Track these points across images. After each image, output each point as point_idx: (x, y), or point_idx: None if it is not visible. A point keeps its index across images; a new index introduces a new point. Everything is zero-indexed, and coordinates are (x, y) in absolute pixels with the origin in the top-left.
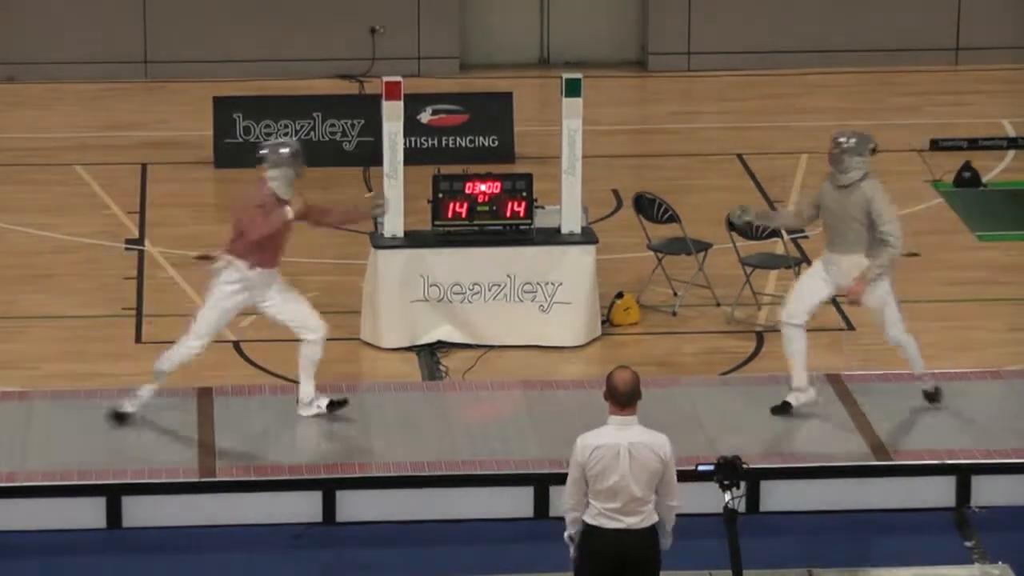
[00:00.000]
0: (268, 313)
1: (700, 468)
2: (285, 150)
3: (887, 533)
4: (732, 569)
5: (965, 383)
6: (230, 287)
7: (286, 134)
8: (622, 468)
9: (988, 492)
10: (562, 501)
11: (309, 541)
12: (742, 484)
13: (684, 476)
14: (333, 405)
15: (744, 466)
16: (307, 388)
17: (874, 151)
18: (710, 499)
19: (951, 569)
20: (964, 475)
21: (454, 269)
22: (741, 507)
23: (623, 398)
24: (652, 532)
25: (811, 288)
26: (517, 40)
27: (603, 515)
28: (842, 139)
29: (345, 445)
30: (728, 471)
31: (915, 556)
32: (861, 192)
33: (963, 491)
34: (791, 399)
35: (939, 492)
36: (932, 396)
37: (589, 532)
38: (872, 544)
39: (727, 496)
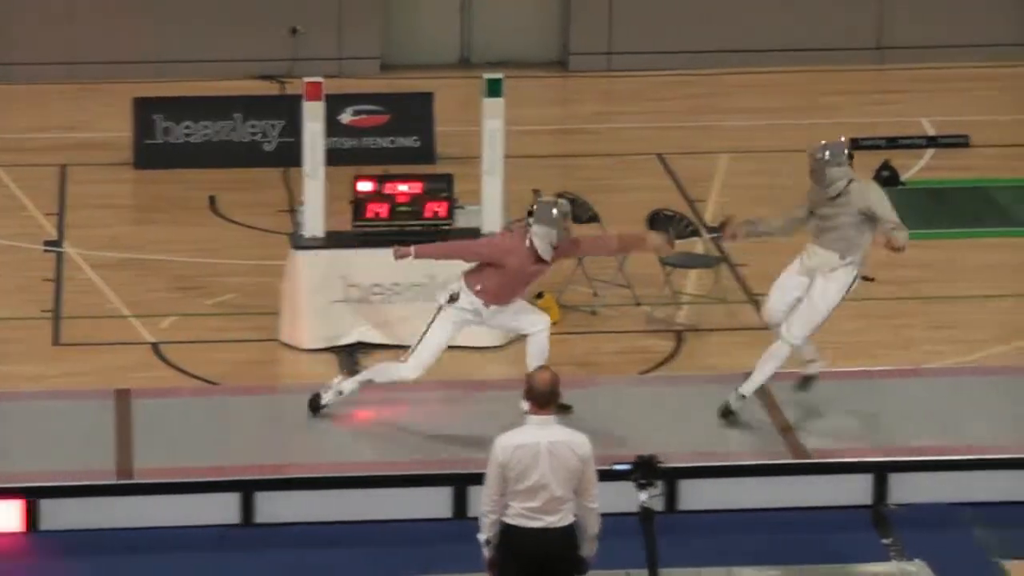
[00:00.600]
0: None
1: (617, 467)
2: (555, 211)
3: (805, 531)
4: (648, 569)
5: (889, 381)
6: (463, 314)
7: (206, 135)
8: (542, 467)
9: (905, 490)
10: (480, 502)
11: (228, 543)
12: (659, 483)
13: (602, 475)
14: None
15: (661, 465)
16: None
17: (851, 155)
18: (628, 498)
19: (869, 566)
20: (881, 473)
21: (374, 270)
22: (659, 506)
23: (542, 398)
24: (571, 530)
25: (785, 285)
26: (438, 40)
27: (522, 515)
28: (818, 154)
29: (264, 446)
30: (645, 470)
31: (833, 554)
32: (851, 197)
33: (880, 489)
34: (812, 369)
35: (856, 490)
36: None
37: (509, 532)
38: (790, 542)
39: (644, 495)
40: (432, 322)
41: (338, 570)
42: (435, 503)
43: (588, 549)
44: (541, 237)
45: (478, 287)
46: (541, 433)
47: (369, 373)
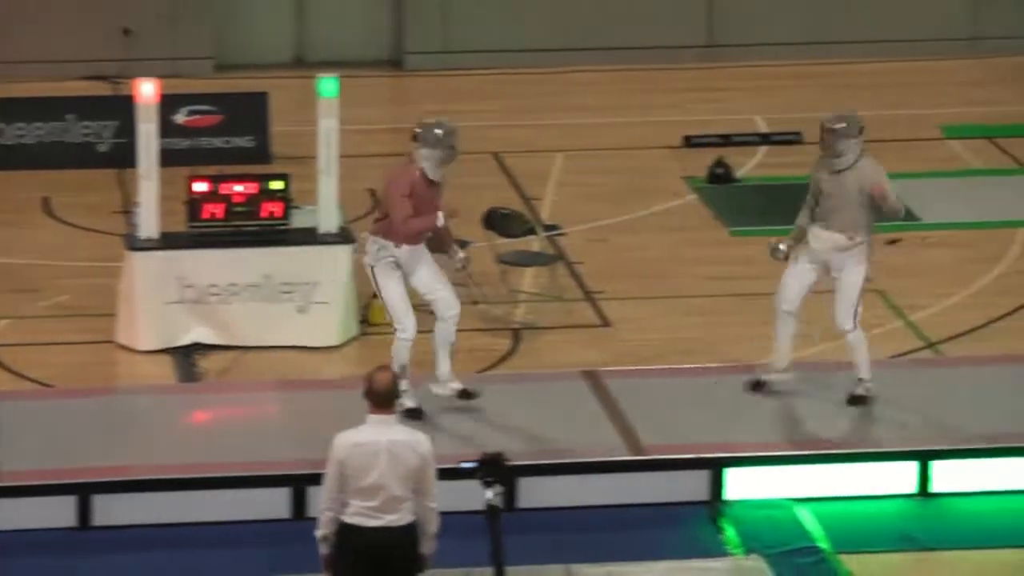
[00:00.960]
0: (415, 287)
1: (463, 465)
2: (438, 131)
3: (643, 527)
4: (494, 566)
5: (720, 377)
6: (385, 262)
7: (39, 136)
8: (381, 466)
9: (741, 485)
10: (319, 500)
11: (64, 547)
12: (505, 481)
13: (447, 474)
14: (465, 394)
15: (507, 463)
16: (444, 367)
17: (862, 130)
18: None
19: (706, 562)
20: (717, 469)
21: (210, 270)
22: (503, 504)
23: (381, 398)
24: (411, 529)
25: (797, 272)
26: (272, 40)
27: (361, 513)
28: (831, 124)
29: (100, 448)
30: (491, 468)
31: (671, 550)
32: (859, 172)
33: (716, 485)
34: (767, 377)
35: (693, 486)
36: (859, 399)
37: (348, 531)
38: (629, 538)
39: (489, 493)
40: (377, 285)
41: (178, 572)
42: (274, 504)
43: (427, 547)
44: (427, 159)
45: (385, 231)
46: (381, 432)
47: (395, 365)
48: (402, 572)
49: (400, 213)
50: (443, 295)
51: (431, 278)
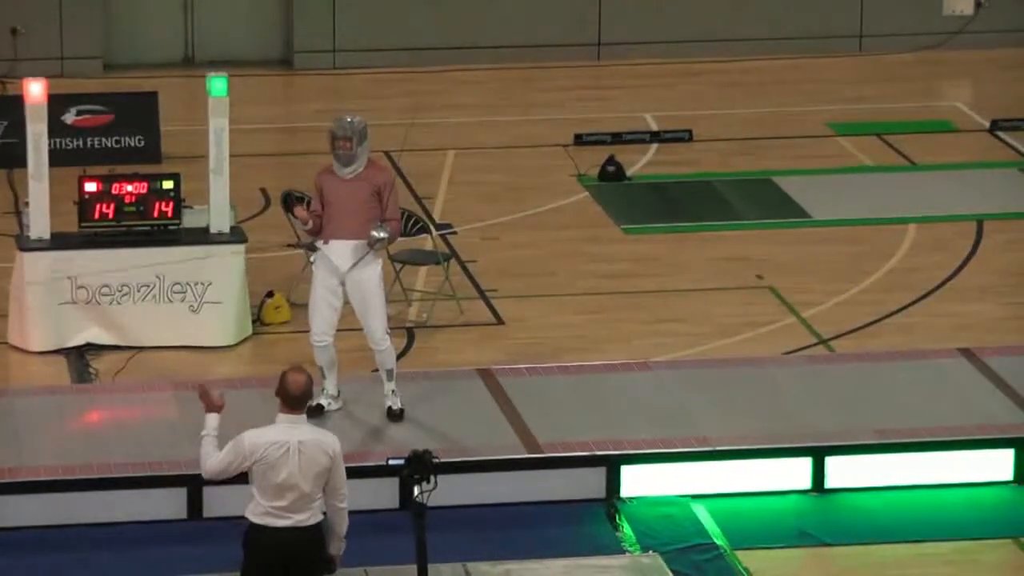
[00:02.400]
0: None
1: (391, 462)
2: (348, 119)
3: (540, 525)
4: (418, 563)
5: (614, 375)
6: (320, 269)
7: None
8: (291, 465)
9: (637, 482)
10: (208, 464)
11: None
12: (432, 478)
13: (373, 471)
14: (315, 410)
15: (435, 460)
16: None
17: None
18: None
19: (603, 559)
20: (614, 466)
21: (102, 270)
22: (430, 501)
23: (294, 400)
24: (318, 529)
25: None
26: (161, 39)
27: (270, 513)
28: None
29: None
30: (418, 465)
31: (568, 547)
32: None
33: (613, 482)
34: None
35: (589, 484)
36: None
37: (256, 531)
38: (526, 537)
39: (416, 490)
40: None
41: (74, 574)
42: (169, 504)
43: (336, 548)
44: (335, 153)
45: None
46: (292, 432)
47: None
48: (309, 572)
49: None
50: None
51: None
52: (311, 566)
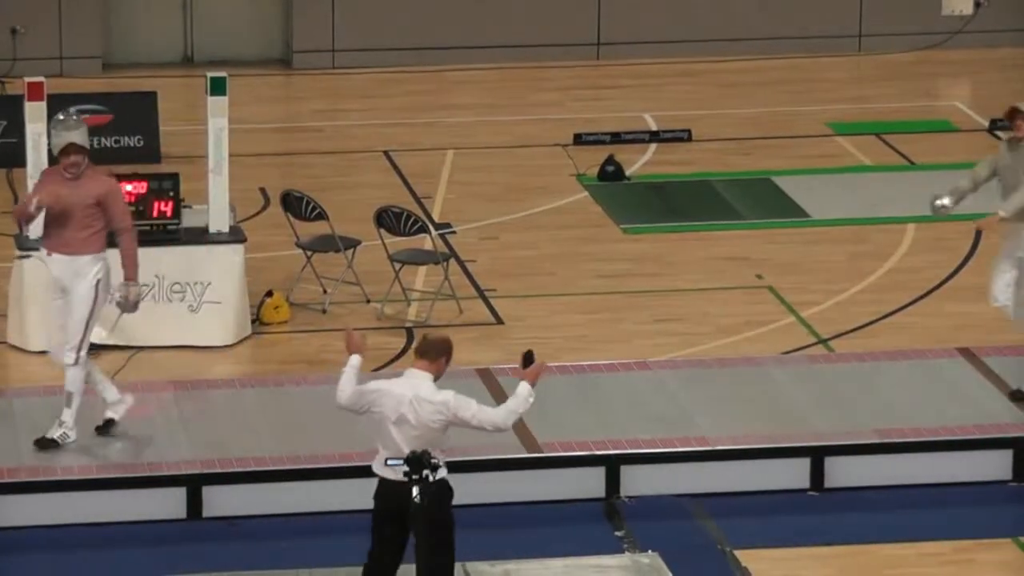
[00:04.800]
0: None
1: (389, 463)
2: (59, 115)
3: (540, 525)
4: (417, 562)
5: (613, 375)
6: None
7: None
8: (404, 418)
9: (636, 482)
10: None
11: None
12: (430, 478)
13: (371, 472)
14: (105, 425)
15: (432, 461)
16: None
17: None
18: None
19: (603, 559)
20: (613, 466)
21: None
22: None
23: (422, 347)
24: (433, 486)
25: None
26: (160, 39)
27: (386, 466)
28: None
29: None
30: (417, 465)
31: (567, 547)
32: None
33: (612, 482)
34: None
35: (588, 483)
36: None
37: (378, 482)
38: (526, 536)
39: (415, 490)
40: None
41: (73, 573)
42: (169, 504)
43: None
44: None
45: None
46: (411, 386)
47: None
48: (420, 532)
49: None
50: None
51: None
52: (422, 525)
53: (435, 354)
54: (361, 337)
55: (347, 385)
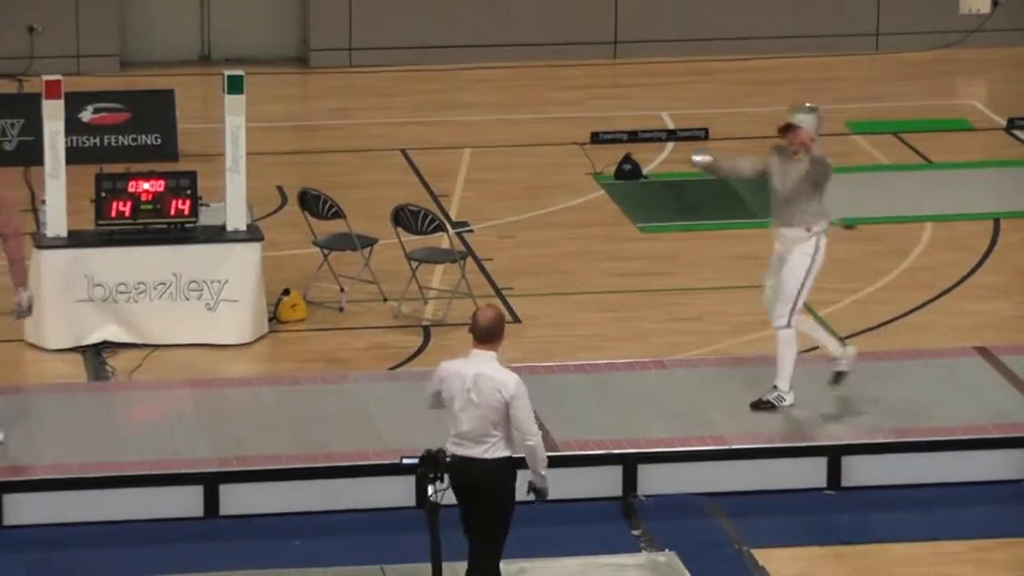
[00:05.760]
0: None
1: (404, 461)
2: None
3: (556, 523)
4: (432, 561)
5: (630, 373)
6: None
7: None
8: (465, 397)
9: (653, 481)
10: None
11: None
12: (445, 477)
13: (387, 470)
14: None
15: (447, 460)
16: None
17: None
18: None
19: (619, 558)
20: (630, 465)
21: (119, 268)
22: (444, 500)
23: (481, 332)
24: (496, 463)
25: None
26: (178, 37)
27: (453, 442)
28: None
29: (10, 448)
30: (432, 464)
31: (584, 546)
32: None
33: (629, 480)
34: (839, 368)
35: (606, 482)
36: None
37: (451, 459)
38: (542, 535)
39: (430, 489)
40: None
41: (89, 571)
42: (185, 502)
43: (538, 480)
44: None
45: None
46: (473, 365)
47: None
48: (488, 504)
49: None
50: None
51: None
52: (489, 498)
53: (492, 336)
54: None
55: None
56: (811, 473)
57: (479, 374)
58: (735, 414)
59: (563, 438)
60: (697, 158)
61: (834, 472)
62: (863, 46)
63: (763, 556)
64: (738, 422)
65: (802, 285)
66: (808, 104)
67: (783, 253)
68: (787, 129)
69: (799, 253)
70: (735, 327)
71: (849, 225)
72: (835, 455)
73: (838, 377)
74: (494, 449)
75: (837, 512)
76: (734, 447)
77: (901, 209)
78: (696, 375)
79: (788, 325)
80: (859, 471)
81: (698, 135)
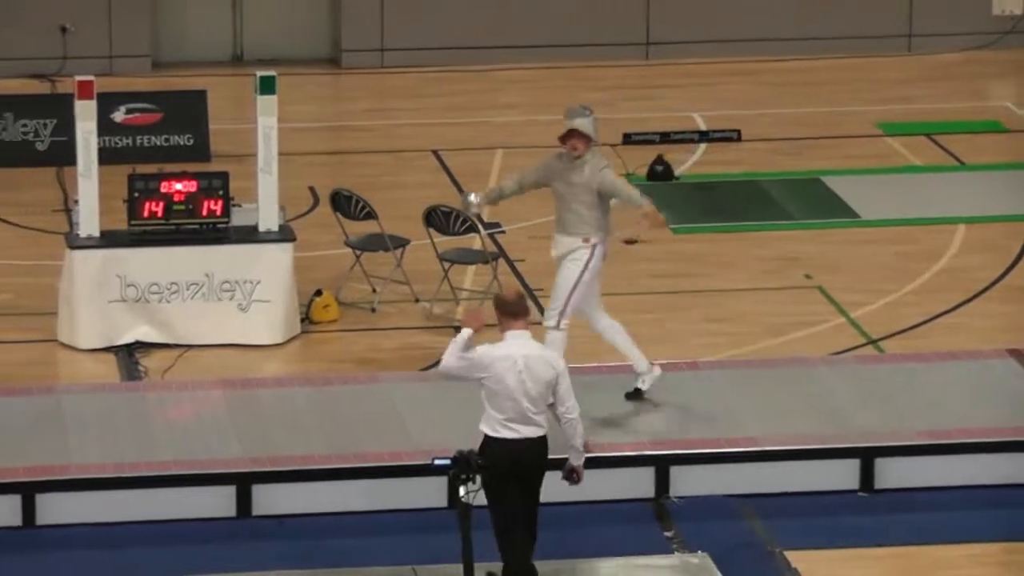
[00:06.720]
0: None
1: (436, 462)
2: None
3: (589, 525)
4: (463, 562)
5: (664, 374)
6: None
7: None
8: (518, 379)
9: (686, 482)
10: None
11: (8, 546)
12: (477, 478)
13: (418, 471)
14: None
15: (479, 461)
16: None
17: None
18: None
19: (652, 559)
20: (662, 466)
21: (151, 269)
22: (476, 501)
23: (516, 309)
24: (544, 442)
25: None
26: (210, 37)
27: (504, 426)
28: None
29: (44, 448)
30: (464, 465)
31: (617, 547)
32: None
33: (661, 482)
34: (639, 385)
35: (638, 483)
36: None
37: (491, 444)
38: (576, 536)
39: (462, 490)
40: None
41: (122, 571)
42: (218, 502)
43: (576, 458)
44: None
45: None
46: (518, 347)
47: None
48: (537, 482)
49: None
50: None
51: None
52: (537, 476)
53: (525, 310)
54: (484, 315)
55: (456, 352)
56: (844, 475)
57: (528, 355)
58: (768, 416)
59: (596, 439)
60: (472, 199)
61: (867, 474)
62: (895, 48)
63: (795, 558)
64: (771, 424)
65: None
66: (582, 106)
67: (557, 259)
68: (568, 135)
69: (571, 260)
70: (768, 328)
71: (631, 241)
72: (868, 457)
73: (636, 394)
74: (540, 428)
75: (869, 514)
76: (767, 449)
77: (933, 211)
78: (729, 377)
79: (558, 327)
80: (892, 473)
81: (730, 136)
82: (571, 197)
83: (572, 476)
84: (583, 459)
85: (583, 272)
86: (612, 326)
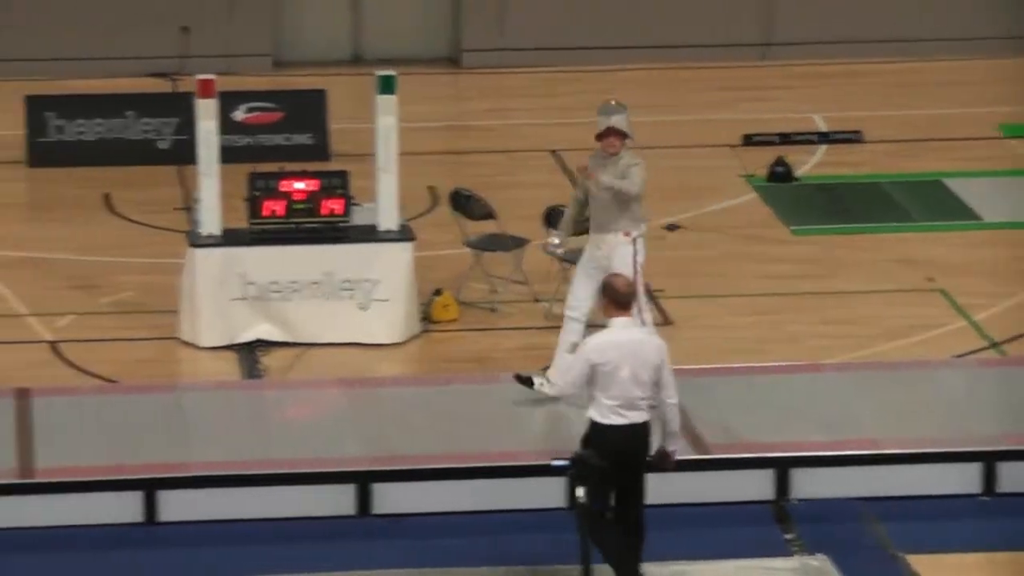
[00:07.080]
0: None
1: (555, 464)
2: None
3: (709, 526)
4: (582, 563)
5: (782, 376)
6: None
7: (99, 132)
8: (629, 365)
9: (806, 485)
10: (565, 383)
11: (130, 542)
12: (593, 481)
13: (537, 471)
14: None
15: (596, 463)
16: None
17: None
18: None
19: (772, 561)
20: (783, 468)
21: (272, 267)
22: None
23: (624, 298)
24: (648, 427)
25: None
26: (330, 37)
27: (615, 412)
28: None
29: (166, 445)
30: (581, 467)
31: (737, 549)
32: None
33: (782, 484)
34: (545, 389)
35: (758, 485)
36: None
37: (599, 430)
38: (695, 538)
39: (580, 491)
40: None
41: (243, 568)
42: (339, 501)
43: (673, 443)
44: None
45: None
46: (627, 334)
47: None
48: (641, 468)
49: None
50: None
51: None
52: (643, 462)
53: (632, 300)
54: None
55: (566, 369)
56: (966, 478)
57: (636, 340)
58: (889, 419)
59: (715, 441)
60: (555, 242)
61: (989, 478)
62: (1018, 49)
63: (916, 562)
64: (892, 426)
65: None
66: (617, 102)
67: (602, 259)
68: (606, 133)
69: (619, 262)
70: (889, 331)
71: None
72: (990, 461)
73: (527, 381)
74: (645, 413)
75: (992, 518)
76: (888, 452)
77: None
78: (849, 379)
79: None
80: (1015, 477)
81: (851, 138)
82: (605, 194)
83: (665, 461)
84: (679, 445)
85: (635, 266)
86: (577, 329)
